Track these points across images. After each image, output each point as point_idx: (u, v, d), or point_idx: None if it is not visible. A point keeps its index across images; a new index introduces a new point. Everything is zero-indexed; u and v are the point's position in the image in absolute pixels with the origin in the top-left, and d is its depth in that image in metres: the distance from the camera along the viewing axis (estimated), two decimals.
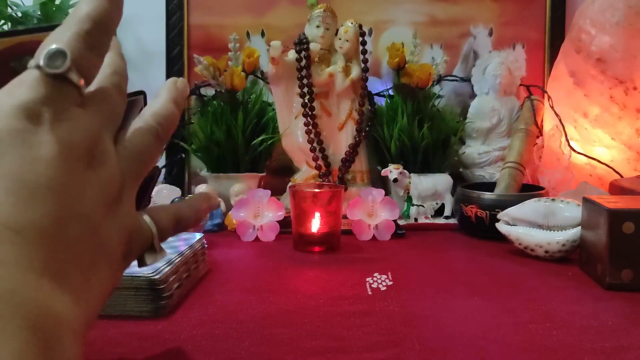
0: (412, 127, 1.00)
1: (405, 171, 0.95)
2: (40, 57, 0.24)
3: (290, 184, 0.98)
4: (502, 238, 0.78)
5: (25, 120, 0.23)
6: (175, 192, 0.93)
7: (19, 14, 0.98)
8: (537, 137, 1.01)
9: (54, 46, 0.24)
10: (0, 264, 0.19)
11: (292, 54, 0.97)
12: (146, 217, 0.31)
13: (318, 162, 0.97)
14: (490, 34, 1.13)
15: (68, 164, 0.24)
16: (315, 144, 0.97)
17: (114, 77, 0.29)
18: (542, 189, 0.92)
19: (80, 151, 0.24)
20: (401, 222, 0.92)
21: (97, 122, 0.26)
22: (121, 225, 0.27)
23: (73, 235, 0.23)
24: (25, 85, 0.24)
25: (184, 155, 1.11)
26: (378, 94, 1.09)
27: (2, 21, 0.98)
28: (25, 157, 0.22)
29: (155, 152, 0.30)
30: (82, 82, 0.25)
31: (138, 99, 0.37)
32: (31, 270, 0.20)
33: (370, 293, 0.61)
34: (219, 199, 0.94)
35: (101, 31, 0.26)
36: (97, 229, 0.25)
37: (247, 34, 1.12)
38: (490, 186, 0.95)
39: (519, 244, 0.76)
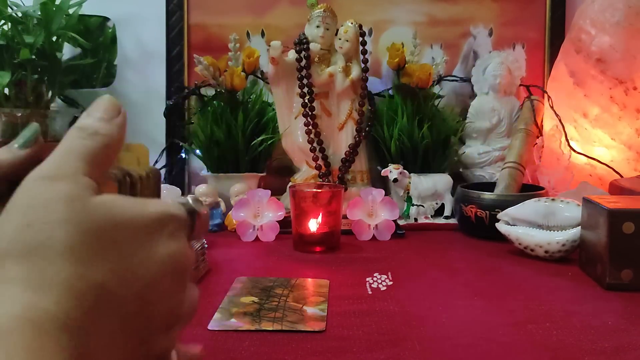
0: (412, 127, 1.00)
1: (405, 171, 0.95)
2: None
3: (290, 184, 0.98)
4: (502, 238, 0.78)
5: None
6: (175, 192, 0.93)
7: (19, 14, 0.98)
8: (537, 137, 1.01)
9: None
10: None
11: (292, 54, 0.97)
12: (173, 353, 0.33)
13: (318, 162, 0.97)
14: (490, 34, 1.13)
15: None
16: (315, 144, 0.97)
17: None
18: (542, 189, 0.92)
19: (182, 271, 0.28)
20: (401, 222, 0.92)
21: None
22: (160, 351, 0.29)
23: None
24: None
25: (184, 155, 1.11)
26: (378, 94, 1.09)
27: (2, 21, 0.98)
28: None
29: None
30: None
31: None
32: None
33: (370, 293, 0.61)
34: (219, 199, 0.94)
35: None
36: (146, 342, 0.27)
37: (247, 34, 1.12)
38: (490, 186, 0.95)
39: (519, 244, 0.76)
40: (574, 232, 0.72)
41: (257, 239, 0.85)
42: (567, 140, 0.98)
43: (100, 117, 0.29)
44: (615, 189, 0.86)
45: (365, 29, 1.00)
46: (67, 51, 1.11)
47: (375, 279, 0.66)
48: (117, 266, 0.25)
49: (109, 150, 0.29)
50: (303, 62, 0.96)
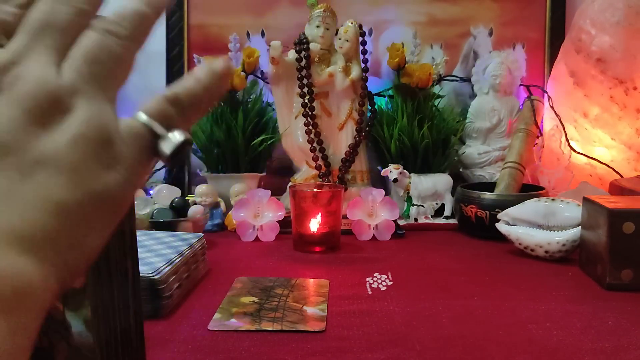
0: (412, 127, 1.00)
1: (405, 171, 0.95)
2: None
3: (290, 184, 0.98)
4: (502, 238, 0.78)
5: None
6: (175, 192, 0.93)
7: None
8: (537, 137, 1.01)
9: None
10: None
11: (292, 54, 0.97)
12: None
13: (318, 162, 0.97)
14: (490, 34, 1.13)
15: None
16: (315, 144, 0.97)
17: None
18: (542, 189, 0.92)
19: None
20: (401, 222, 0.92)
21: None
22: (77, 133, 0.22)
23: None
24: None
25: None
26: (378, 94, 1.09)
27: None
28: None
29: (115, 48, 0.25)
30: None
31: None
32: None
33: (370, 293, 0.61)
34: (219, 199, 0.94)
35: None
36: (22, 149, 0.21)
37: (247, 34, 1.12)
38: (490, 186, 0.95)
39: (519, 244, 0.76)
40: (574, 232, 0.72)
41: (257, 239, 0.85)
42: (567, 140, 0.98)
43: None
44: (615, 189, 0.86)
45: (365, 29, 1.00)
46: None
47: (375, 279, 0.66)
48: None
49: None
50: (303, 62, 0.96)
